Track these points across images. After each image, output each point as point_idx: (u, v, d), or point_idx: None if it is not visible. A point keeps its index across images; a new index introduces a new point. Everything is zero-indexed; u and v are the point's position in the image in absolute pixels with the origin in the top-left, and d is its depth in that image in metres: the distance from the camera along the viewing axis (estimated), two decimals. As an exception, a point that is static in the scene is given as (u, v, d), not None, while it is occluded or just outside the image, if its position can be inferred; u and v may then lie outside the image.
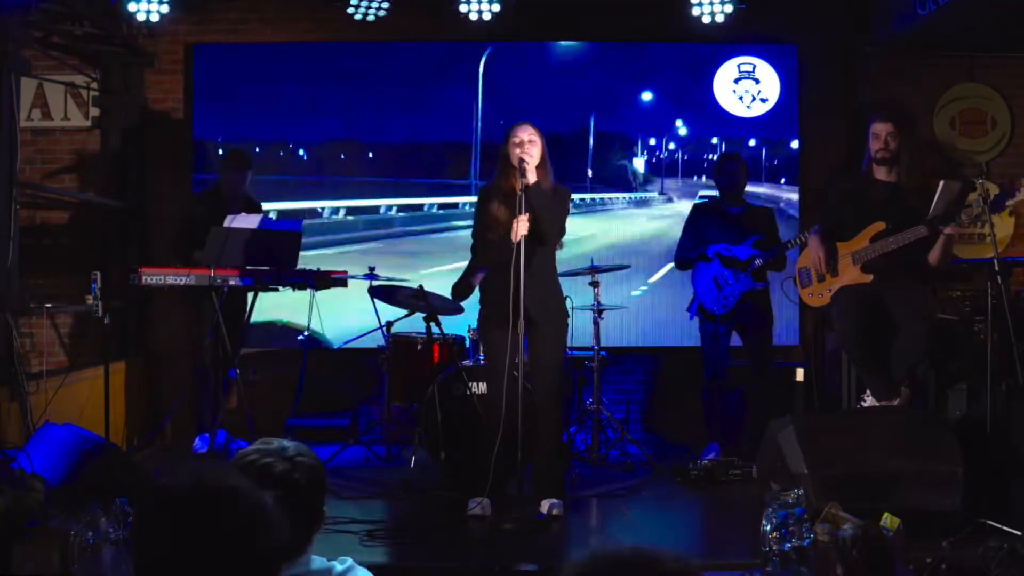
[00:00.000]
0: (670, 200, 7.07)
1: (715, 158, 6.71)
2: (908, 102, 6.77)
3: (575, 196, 6.58)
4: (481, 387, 5.00)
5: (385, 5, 6.37)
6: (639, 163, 7.08)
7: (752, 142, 6.92)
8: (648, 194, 7.10)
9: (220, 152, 6.68)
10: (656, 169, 7.06)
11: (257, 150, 6.75)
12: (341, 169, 6.89)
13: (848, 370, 5.74)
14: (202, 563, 1.40)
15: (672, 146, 7.05)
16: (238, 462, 2.03)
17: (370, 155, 6.92)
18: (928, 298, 4.72)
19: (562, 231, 4.57)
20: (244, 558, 1.42)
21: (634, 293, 6.80)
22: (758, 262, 5.49)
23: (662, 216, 7.06)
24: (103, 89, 6.69)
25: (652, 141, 7.05)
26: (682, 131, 7.02)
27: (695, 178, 7.05)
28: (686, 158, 7.05)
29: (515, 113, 6.49)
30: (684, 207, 6.90)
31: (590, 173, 7.08)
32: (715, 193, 5.98)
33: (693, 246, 5.68)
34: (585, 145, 7.02)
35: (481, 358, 5.15)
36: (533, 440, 4.44)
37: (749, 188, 6.04)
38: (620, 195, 7.08)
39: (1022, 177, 4.29)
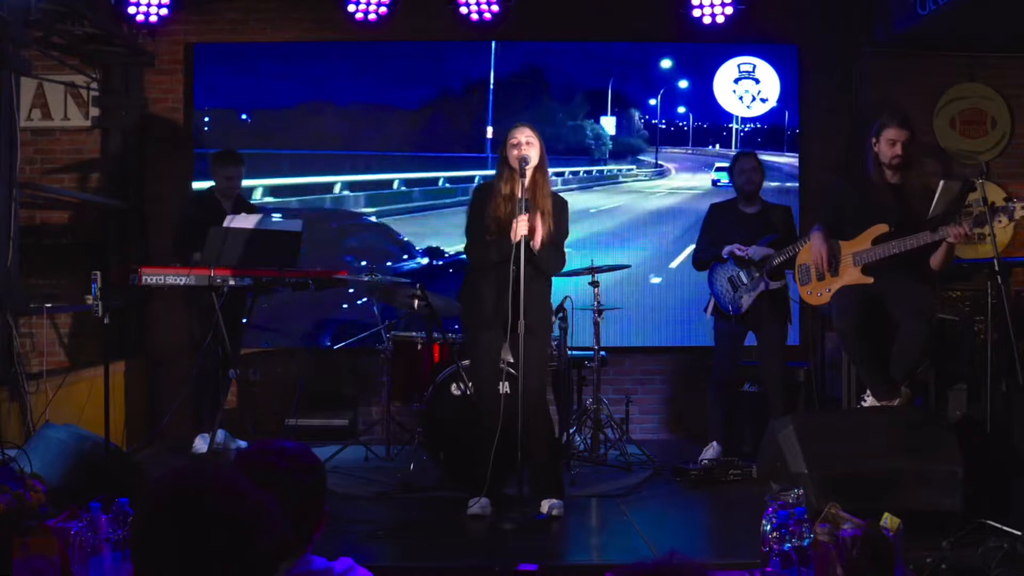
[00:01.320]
0: (662, 173, 6.25)
1: (734, 126, 6.61)
2: (908, 102, 6.77)
3: (449, 174, 5.93)
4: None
5: (386, 3, 6.37)
6: (608, 123, 6.13)
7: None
8: (619, 166, 6.21)
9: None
10: (652, 135, 6.65)
11: (245, 116, 6.75)
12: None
13: (848, 370, 5.74)
14: (201, 563, 1.40)
15: (682, 109, 6.31)
16: (238, 462, 2.03)
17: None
18: (928, 298, 4.72)
19: (564, 234, 4.60)
20: (243, 558, 1.42)
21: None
22: (773, 262, 5.46)
23: (590, 213, 6.01)
24: (103, 89, 6.69)
25: (653, 101, 6.58)
26: (682, 83, 6.42)
27: (711, 146, 6.21)
28: (705, 126, 6.23)
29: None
30: (674, 185, 6.32)
31: (490, 132, 5.98)
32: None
33: (709, 246, 5.66)
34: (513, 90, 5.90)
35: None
36: (528, 441, 4.45)
37: (773, 158, 5.90)
38: (558, 169, 6.18)
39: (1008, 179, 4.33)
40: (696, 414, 6.20)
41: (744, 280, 5.51)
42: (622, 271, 6.21)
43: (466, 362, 5.22)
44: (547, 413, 4.58)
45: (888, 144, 4.70)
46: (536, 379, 4.51)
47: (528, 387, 4.47)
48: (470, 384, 5.02)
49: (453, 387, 5.10)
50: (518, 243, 4.29)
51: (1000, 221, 4.38)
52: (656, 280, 6.76)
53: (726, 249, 5.52)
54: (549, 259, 4.52)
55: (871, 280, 4.71)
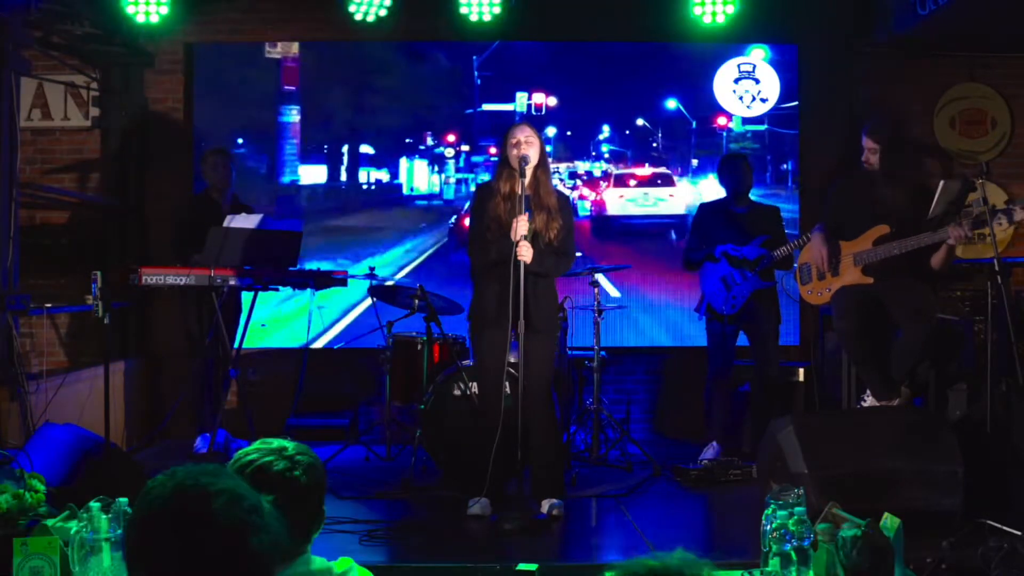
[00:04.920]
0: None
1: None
2: (908, 102, 6.78)
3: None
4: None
5: (387, 4, 6.36)
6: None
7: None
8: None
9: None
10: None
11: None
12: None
13: (848, 370, 5.74)
14: (199, 565, 1.40)
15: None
16: (238, 461, 2.03)
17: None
18: (928, 298, 4.72)
19: (571, 229, 4.60)
20: (241, 560, 1.42)
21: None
22: (766, 261, 5.47)
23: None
24: (103, 89, 6.68)
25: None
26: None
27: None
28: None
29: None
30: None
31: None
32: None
33: (700, 246, 5.67)
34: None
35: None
36: (530, 443, 4.45)
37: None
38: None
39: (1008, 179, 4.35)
40: (696, 414, 6.18)
41: (737, 280, 5.51)
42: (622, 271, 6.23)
43: (467, 362, 5.23)
44: (551, 414, 4.57)
45: (867, 151, 4.77)
46: (540, 379, 4.51)
47: (531, 387, 4.47)
48: (471, 384, 5.03)
49: (453, 387, 5.10)
50: (517, 243, 4.29)
51: (1000, 223, 4.39)
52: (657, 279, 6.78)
53: (719, 249, 5.53)
54: (550, 265, 4.50)
55: (871, 280, 4.71)
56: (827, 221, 4.95)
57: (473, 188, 6.43)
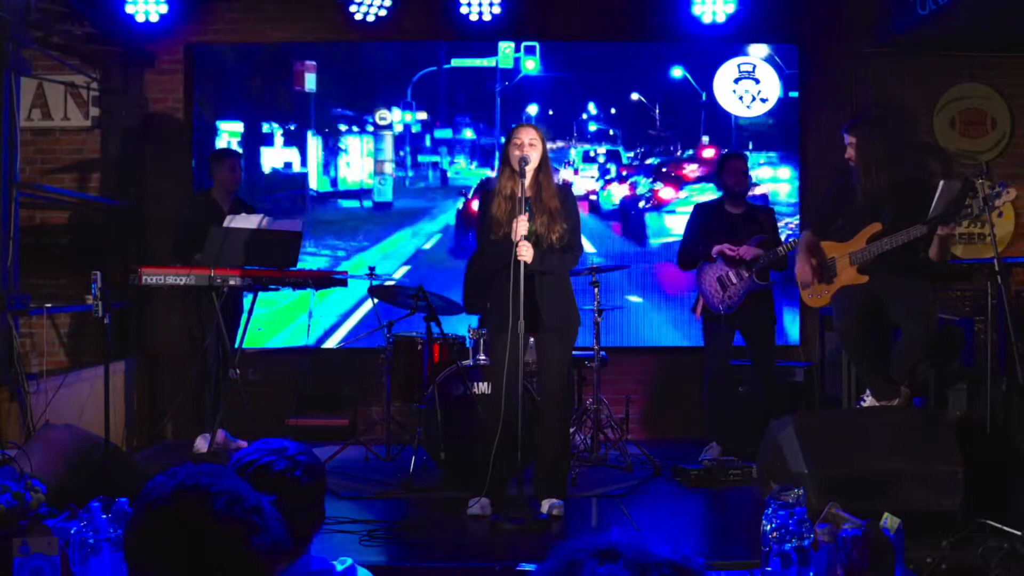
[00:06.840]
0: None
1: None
2: (908, 102, 6.77)
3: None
4: (483, 387, 5.00)
5: (386, 4, 6.36)
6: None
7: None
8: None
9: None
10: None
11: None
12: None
13: (848, 370, 5.74)
14: (198, 564, 1.40)
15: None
16: (238, 462, 2.03)
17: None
18: (927, 297, 4.72)
19: (576, 222, 4.59)
20: (240, 559, 1.42)
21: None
22: (762, 262, 5.48)
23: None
24: (103, 89, 6.68)
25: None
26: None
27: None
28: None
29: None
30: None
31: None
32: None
33: (696, 246, 5.67)
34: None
35: (482, 359, 5.16)
36: (535, 441, 4.45)
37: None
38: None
39: (1009, 179, 4.36)
40: (695, 414, 6.19)
41: (733, 280, 5.52)
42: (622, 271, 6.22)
43: (467, 362, 5.24)
44: (562, 416, 4.58)
45: (847, 147, 4.77)
46: (555, 377, 4.52)
47: (544, 386, 4.48)
48: (472, 384, 5.03)
49: (453, 387, 5.10)
50: (518, 243, 4.29)
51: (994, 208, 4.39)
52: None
53: (715, 248, 5.53)
54: (554, 263, 4.50)
55: (866, 279, 4.71)
56: (816, 222, 4.98)
57: (439, 175, 5.86)
